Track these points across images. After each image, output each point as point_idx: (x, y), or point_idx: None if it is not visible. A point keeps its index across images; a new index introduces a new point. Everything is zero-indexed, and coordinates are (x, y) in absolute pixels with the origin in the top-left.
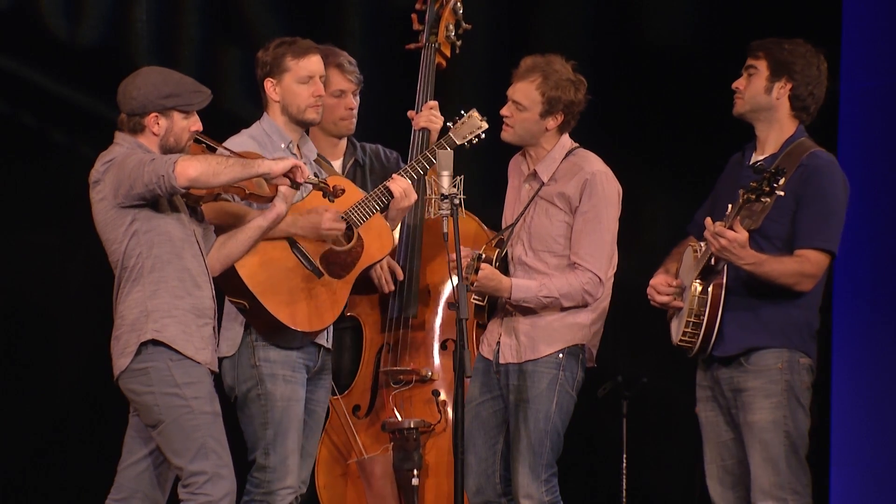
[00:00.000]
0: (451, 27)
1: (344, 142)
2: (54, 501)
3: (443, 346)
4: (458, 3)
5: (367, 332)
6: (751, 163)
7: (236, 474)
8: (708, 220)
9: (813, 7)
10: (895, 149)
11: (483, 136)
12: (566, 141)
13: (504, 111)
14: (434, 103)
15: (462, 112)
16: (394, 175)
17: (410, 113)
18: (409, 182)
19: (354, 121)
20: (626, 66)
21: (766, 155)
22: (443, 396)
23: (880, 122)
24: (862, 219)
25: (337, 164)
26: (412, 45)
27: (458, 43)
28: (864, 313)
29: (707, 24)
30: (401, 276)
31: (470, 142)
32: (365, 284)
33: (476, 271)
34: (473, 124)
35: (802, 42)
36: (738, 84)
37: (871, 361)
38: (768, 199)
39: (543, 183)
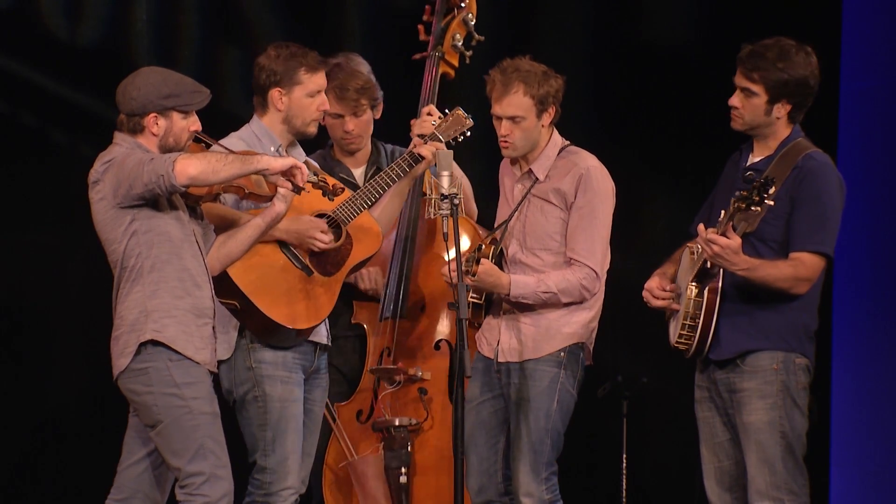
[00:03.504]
0: (459, 37)
1: (365, 151)
2: (54, 502)
3: (436, 346)
4: (470, 15)
5: (371, 339)
6: (747, 164)
7: (236, 476)
8: (700, 226)
9: (813, 7)
10: (895, 149)
11: (469, 133)
12: (557, 137)
13: (503, 131)
14: (429, 108)
15: (446, 111)
16: (416, 142)
17: (412, 122)
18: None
19: (360, 139)
20: (626, 65)
21: (763, 157)
22: (429, 395)
23: (880, 122)
24: (862, 219)
25: (358, 173)
26: (418, 56)
27: (469, 53)
28: (864, 313)
29: (707, 23)
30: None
31: (455, 139)
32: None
33: (477, 262)
34: (458, 122)
35: (792, 46)
36: (735, 102)
37: (871, 361)
38: (758, 209)
39: (538, 180)
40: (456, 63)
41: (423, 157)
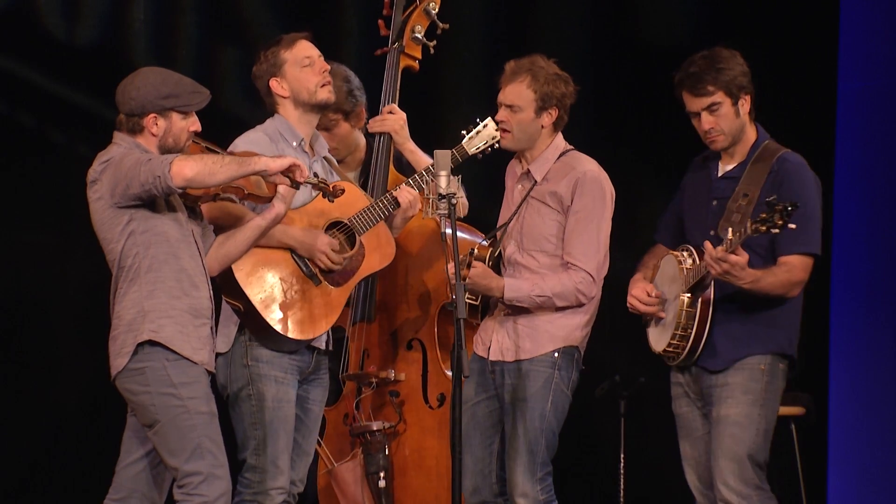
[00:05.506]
0: (420, 28)
1: (356, 156)
2: (54, 501)
3: (408, 346)
4: (432, 4)
5: (350, 344)
6: (720, 174)
7: (233, 475)
8: (707, 244)
9: (811, 7)
10: (894, 149)
11: (497, 145)
12: (560, 142)
13: (499, 117)
14: (391, 106)
15: (477, 120)
16: (401, 185)
17: (371, 120)
18: (417, 192)
19: (336, 151)
20: (624, 65)
21: (735, 164)
22: (401, 396)
23: (879, 121)
24: (860, 219)
25: (354, 175)
26: (379, 52)
27: (432, 44)
28: (862, 313)
29: (705, 23)
30: None
31: (483, 152)
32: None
33: (468, 266)
34: (488, 134)
35: (715, 49)
36: (708, 123)
37: (869, 361)
38: (777, 231)
39: (536, 182)
40: (419, 55)
41: (398, 204)
